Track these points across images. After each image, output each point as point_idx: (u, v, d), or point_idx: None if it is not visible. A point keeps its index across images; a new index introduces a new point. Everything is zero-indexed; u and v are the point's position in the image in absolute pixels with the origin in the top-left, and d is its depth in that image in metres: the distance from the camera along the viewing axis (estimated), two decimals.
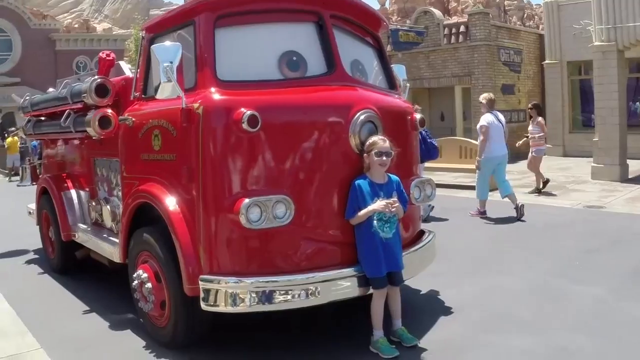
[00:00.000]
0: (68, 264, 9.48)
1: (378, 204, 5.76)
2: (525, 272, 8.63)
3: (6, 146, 32.31)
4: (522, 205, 12.94)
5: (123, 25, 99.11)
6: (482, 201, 13.38)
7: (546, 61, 27.25)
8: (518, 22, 58.18)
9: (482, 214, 13.27)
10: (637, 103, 24.26)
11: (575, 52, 25.46)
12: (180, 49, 5.67)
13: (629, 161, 19.01)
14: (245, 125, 5.28)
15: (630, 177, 18.65)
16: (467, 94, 26.39)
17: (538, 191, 16.51)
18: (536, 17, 61.46)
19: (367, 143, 5.81)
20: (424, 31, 26.49)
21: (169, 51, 5.60)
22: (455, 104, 26.89)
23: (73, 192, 9.08)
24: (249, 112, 5.29)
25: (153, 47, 5.75)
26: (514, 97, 27.46)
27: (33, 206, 11.13)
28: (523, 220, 12.60)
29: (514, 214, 12.76)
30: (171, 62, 5.54)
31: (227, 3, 6.01)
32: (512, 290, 7.86)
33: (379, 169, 5.86)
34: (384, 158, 5.79)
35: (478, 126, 13.25)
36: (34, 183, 11.83)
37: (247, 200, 5.26)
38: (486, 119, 13.18)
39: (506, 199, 13.11)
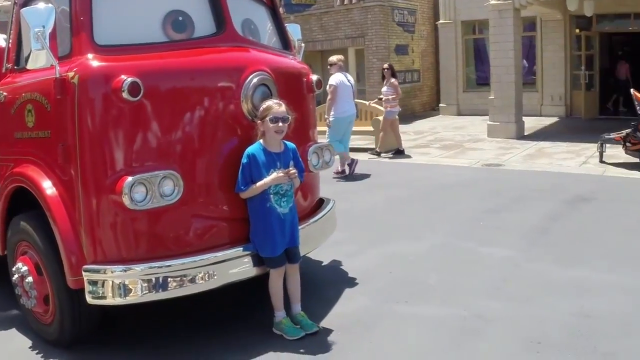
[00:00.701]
0: None
1: (278, 175, 5.33)
2: (430, 236, 8.45)
3: None
4: (356, 161, 13.39)
5: None
6: (342, 159, 13.39)
7: (440, 21, 27.17)
8: None
9: (341, 173, 13.36)
10: (531, 62, 24.50)
11: (469, 12, 25.45)
12: (54, 12, 5.05)
13: (524, 118, 19.21)
14: (125, 94, 4.72)
15: (526, 134, 18.85)
16: (360, 56, 26.18)
17: (377, 154, 16.29)
18: None
19: (262, 108, 5.33)
20: None
21: (40, 15, 4.96)
22: (348, 66, 26.62)
23: None
24: (129, 80, 4.73)
25: (23, 10, 5.07)
26: (407, 57, 27.39)
27: None
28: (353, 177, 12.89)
29: (407, 176, 12.58)
30: (43, 27, 4.92)
31: None
32: (418, 255, 7.66)
33: (275, 136, 5.38)
34: (280, 124, 5.31)
35: (327, 86, 13.14)
36: None
37: (130, 179, 4.72)
38: (335, 79, 13.37)
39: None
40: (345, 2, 26.21)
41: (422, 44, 28.65)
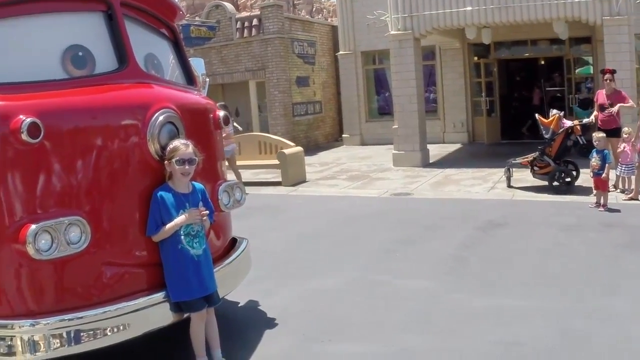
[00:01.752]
0: None
1: (188, 215, 5.11)
2: (345, 270, 8.31)
3: None
4: None
5: None
6: None
7: (340, 52, 27.30)
8: (307, 16, 59.03)
9: None
10: (432, 90, 24.84)
11: (369, 42, 25.73)
12: None
13: (428, 146, 19.39)
14: (25, 136, 4.40)
15: (431, 161, 19.05)
16: (262, 88, 26.02)
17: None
18: (325, 10, 62.65)
19: (169, 149, 5.11)
20: (216, 26, 25.84)
21: None
22: (250, 99, 26.49)
23: None
24: (28, 120, 4.41)
25: None
26: (309, 89, 27.44)
27: None
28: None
29: (317, 209, 12.38)
30: None
31: None
32: (335, 291, 7.52)
33: (182, 178, 5.17)
34: (187, 167, 5.11)
35: None
36: None
37: (33, 227, 4.41)
38: None
39: None
40: (245, 35, 26.08)
41: (323, 75, 28.76)
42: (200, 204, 5.31)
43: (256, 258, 7.17)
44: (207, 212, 5.29)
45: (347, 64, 26.82)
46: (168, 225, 5.06)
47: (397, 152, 18.87)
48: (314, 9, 63.41)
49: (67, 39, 5.29)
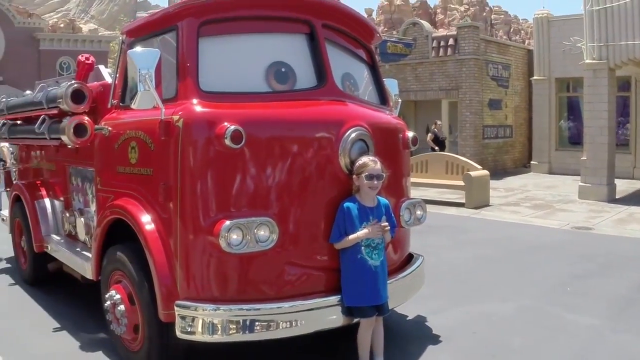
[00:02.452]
0: (40, 276, 9.07)
1: (371, 230, 5.44)
2: (516, 297, 8.35)
3: None
4: None
5: (109, 26, 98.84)
6: None
7: (534, 77, 27.10)
8: (504, 37, 58.41)
9: None
10: (624, 122, 24.12)
11: (564, 69, 25.38)
12: (159, 55, 5.31)
13: (616, 181, 18.84)
14: (228, 141, 4.93)
15: (617, 197, 18.49)
16: (453, 108, 26.15)
17: None
18: (522, 31, 61.81)
19: (358, 164, 5.47)
20: (412, 43, 26.25)
21: (147, 57, 5.23)
22: (441, 117, 26.63)
23: (47, 201, 8.67)
24: (232, 127, 4.94)
25: (130, 52, 5.34)
26: (501, 112, 27.32)
27: (6, 213, 10.75)
28: None
29: (495, 234, 12.32)
30: (149, 70, 5.17)
31: (212, 8, 5.64)
32: (503, 317, 7.58)
33: (369, 192, 5.51)
34: (375, 182, 5.44)
35: None
36: (7, 189, 11.44)
37: (227, 223, 4.92)
38: None
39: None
40: (440, 54, 26.30)
41: (516, 99, 28.52)
42: (384, 218, 5.62)
43: (430, 276, 7.39)
44: (389, 226, 5.58)
45: (540, 89, 26.60)
46: (351, 236, 5.39)
47: (583, 184, 18.50)
48: (512, 29, 62.76)
49: (272, 56, 5.80)
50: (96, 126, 6.55)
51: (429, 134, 23.25)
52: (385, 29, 47.63)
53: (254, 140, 5.11)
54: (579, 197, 18.35)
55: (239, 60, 5.73)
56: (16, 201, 9.50)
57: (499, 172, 25.00)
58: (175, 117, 5.14)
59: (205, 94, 5.27)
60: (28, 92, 10.01)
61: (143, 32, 6.28)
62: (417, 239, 6.85)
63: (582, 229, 13.85)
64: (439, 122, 23.62)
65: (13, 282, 9.60)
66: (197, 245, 5.09)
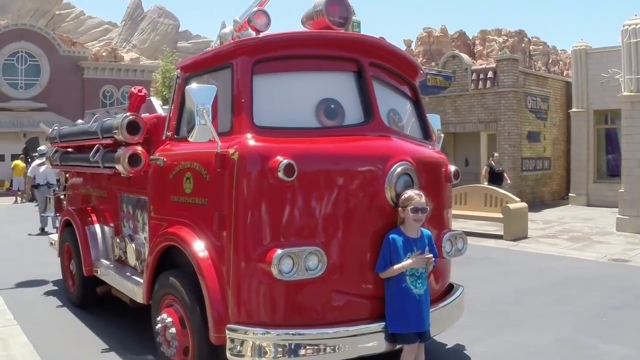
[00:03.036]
0: (88, 298, 9.41)
1: (414, 260, 5.67)
2: (552, 328, 8.50)
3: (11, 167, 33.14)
4: None
5: (150, 55, 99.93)
6: None
7: (573, 109, 27.24)
8: (543, 67, 58.33)
9: None
10: None
11: (602, 101, 25.52)
12: (215, 92, 5.61)
13: None
14: (281, 174, 5.21)
15: None
16: (492, 140, 26.30)
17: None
18: (561, 62, 61.59)
19: (403, 197, 5.72)
20: (452, 75, 26.51)
21: (204, 93, 5.53)
22: (480, 150, 26.78)
23: (97, 227, 9.02)
24: (285, 161, 5.22)
25: (188, 88, 5.66)
26: (539, 144, 27.48)
27: (55, 237, 11.10)
28: None
29: (533, 266, 12.41)
30: (206, 105, 5.47)
31: (265, 47, 5.97)
32: (540, 346, 7.72)
33: (414, 224, 5.75)
34: (420, 215, 5.69)
35: None
36: (57, 214, 11.80)
37: (279, 251, 5.18)
38: None
39: None
40: (479, 87, 26.56)
41: (554, 132, 28.65)
42: (427, 249, 5.86)
43: (469, 306, 7.62)
44: (432, 257, 5.81)
45: (579, 121, 26.70)
46: (396, 267, 5.63)
47: (620, 216, 18.53)
48: (550, 60, 62.59)
49: (322, 93, 6.10)
50: (151, 157, 6.88)
51: (485, 167, 22.87)
52: (424, 60, 47.87)
53: (305, 174, 5.37)
54: (617, 230, 18.38)
55: (291, 97, 6.03)
56: (66, 226, 9.86)
57: (537, 205, 25.09)
58: (231, 150, 5.43)
59: (259, 129, 5.57)
60: (80, 121, 10.42)
61: (198, 68, 6.62)
62: (457, 270, 7.03)
63: (619, 261, 13.92)
64: (496, 155, 23.22)
65: (60, 304, 9.93)
66: (249, 272, 5.35)
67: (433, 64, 29.73)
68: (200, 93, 5.52)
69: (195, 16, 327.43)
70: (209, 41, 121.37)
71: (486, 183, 21.40)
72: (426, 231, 6.01)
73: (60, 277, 10.69)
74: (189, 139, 5.67)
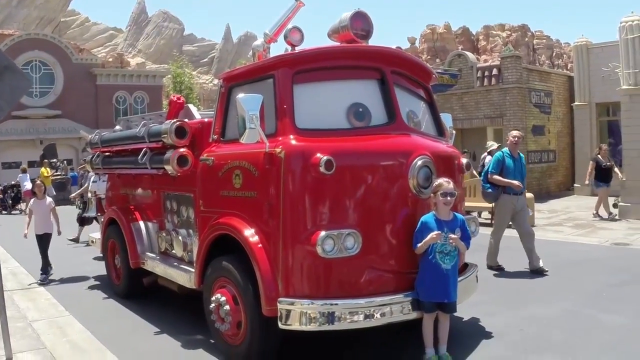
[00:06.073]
0: (133, 289, 10.30)
1: (431, 237, 6.50)
2: (558, 302, 9.34)
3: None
4: None
5: (156, 59, 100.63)
6: None
7: (575, 103, 27.94)
8: (547, 61, 58.72)
9: None
10: None
11: (604, 94, 26.08)
12: (262, 100, 6.48)
13: None
14: (322, 169, 6.08)
15: None
16: (498, 135, 26.73)
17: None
18: (565, 55, 61.76)
19: (434, 185, 6.67)
20: (458, 74, 27.31)
21: (253, 101, 6.40)
22: (486, 144, 27.24)
23: (141, 223, 9.89)
24: (325, 157, 6.09)
25: (239, 97, 6.48)
26: (544, 138, 28.15)
27: (95, 235, 11.94)
28: None
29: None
30: (255, 112, 6.33)
31: (302, 60, 6.91)
32: (547, 317, 8.55)
33: (444, 207, 6.66)
34: (449, 198, 6.61)
35: None
36: (99, 214, 12.60)
37: (323, 233, 6.07)
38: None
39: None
40: (485, 84, 27.35)
41: (558, 125, 29.29)
42: (458, 230, 6.77)
43: (483, 285, 8.52)
44: (456, 237, 6.66)
45: (581, 115, 27.42)
46: (420, 243, 6.53)
47: (623, 204, 19.22)
48: (554, 53, 62.99)
49: (352, 98, 6.98)
50: (202, 157, 7.73)
51: (590, 162, 20.28)
52: (429, 57, 48.49)
53: (341, 167, 6.24)
54: (620, 216, 19.06)
55: (325, 102, 6.94)
56: (109, 224, 10.76)
57: (543, 196, 25.77)
58: (278, 150, 6.32)
59: (300, 131, 6.46)
60: (118, 127, 11.24)
61: (240, 79, 7.51)
62: (471, 255, 7.79)
63: (621, 245, 14.70)
64: (604, 146, 20.50)
65: (106, 296, 10.79)
66: (296, 252, 6.24)
67: (438, 61, 30.40)
68: (250, 101, 6.40)
69: (199, 19, 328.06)
70: (213, 44, 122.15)
71: (588, 182, 20.30)
72: (460, 215, 6.97)
73: (100, 274, 11.59)
74: (241, 140, 6.46)
